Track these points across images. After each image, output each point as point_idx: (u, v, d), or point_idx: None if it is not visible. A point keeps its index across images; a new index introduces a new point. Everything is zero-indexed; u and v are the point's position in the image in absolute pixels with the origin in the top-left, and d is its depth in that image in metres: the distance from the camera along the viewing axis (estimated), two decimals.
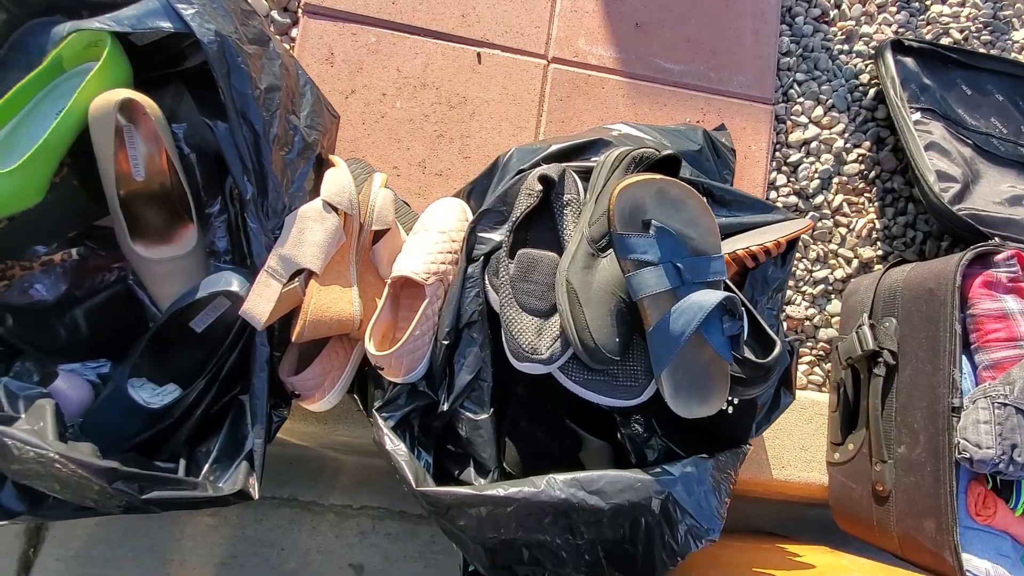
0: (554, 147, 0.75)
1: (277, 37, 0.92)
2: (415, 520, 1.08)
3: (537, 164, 0.74)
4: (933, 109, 1.03)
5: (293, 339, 0.66)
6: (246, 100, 0.61)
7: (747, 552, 0.91)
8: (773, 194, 1.03)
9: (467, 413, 0.69)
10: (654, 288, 0.55)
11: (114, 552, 0.99)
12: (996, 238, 0.83)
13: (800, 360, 1.01)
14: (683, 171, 0.79)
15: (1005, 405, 0.71)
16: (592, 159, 0.76)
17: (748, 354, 0.59)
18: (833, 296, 1.03)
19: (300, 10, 0.93)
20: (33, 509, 0.57)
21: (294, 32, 0.93)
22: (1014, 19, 1.19)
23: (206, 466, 0.64)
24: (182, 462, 0.64)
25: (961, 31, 1.15)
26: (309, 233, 0.67)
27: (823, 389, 1.01)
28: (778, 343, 0.58)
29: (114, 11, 0.63)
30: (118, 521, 1.01)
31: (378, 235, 0.76)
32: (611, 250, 0.62)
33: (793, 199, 1.03)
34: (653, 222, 0.55)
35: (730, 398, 0.72)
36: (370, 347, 0.65)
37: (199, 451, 0.67)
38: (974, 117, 1.05)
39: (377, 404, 0.68)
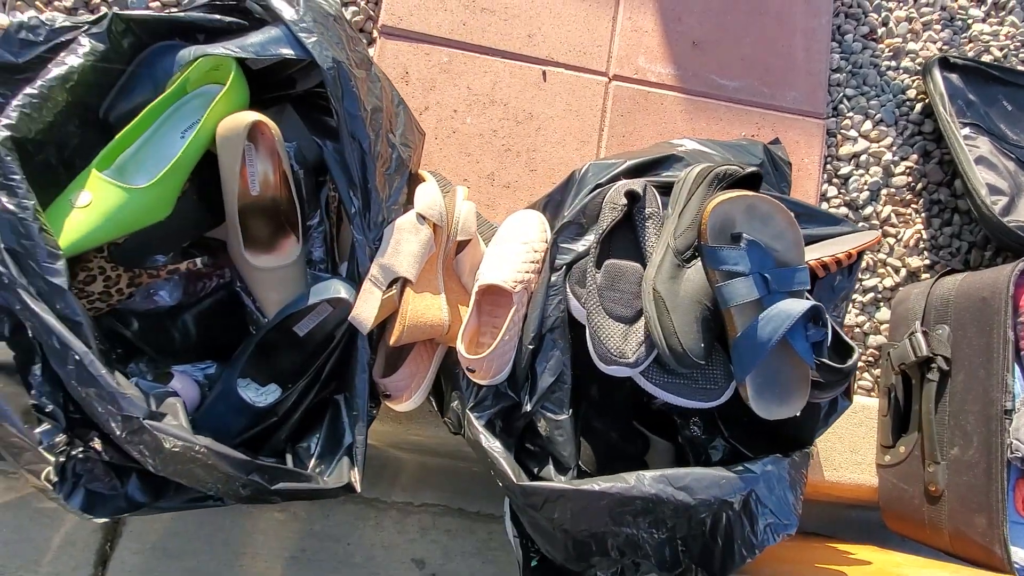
0: (629, 163, 0.79)
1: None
2: (473, 517, 1.12)
3: (614, 179, 0.78)
4: (979, 124, 1.06)
5: (392, 343, 0.70)
6: (356, 122, 0.66)
7: (805, 550, 0.95)
8: (824, 205, 1.06)
9: (548, 413, 0.73)
10: (744, 297, 0.59)
11: (190, 545, 1.04)
12: None
13: None
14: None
15: None
16: (664, 174, 0.80)
17: (826, 359, 0.63)
18: (882, 304, 1.06)
19: (376, 31, 0.98)
20: (156, 501, 0.62)
21: (371, 51, 0.98)
22: None
23: (311, 461, 0.68)
24: (288, 457, 0.68)
25: (1001, 49, 1.18)
26: (405, 244, 0.71)
27: (872, 394, 1.05)
28: (856, 349, 0.62)
29: (228, 36, 0.68)
30: (192, 516, 1.05)
31: (461, 245, 0.80)
32: (695, 261, 0.66)
33: (844, 210, 1.07)
34: (744, 235, 0.59)
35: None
36: (463, 351, 0.70)
37: (300, 447, 0.71)
38: (1015, 132, 1.08)
39: (469, 404, 0.72)
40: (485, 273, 0.74)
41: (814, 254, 0.72)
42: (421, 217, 0.73)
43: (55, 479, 0.55)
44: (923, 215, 1.10)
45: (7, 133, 0.52)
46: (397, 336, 0.69)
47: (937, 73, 1.06)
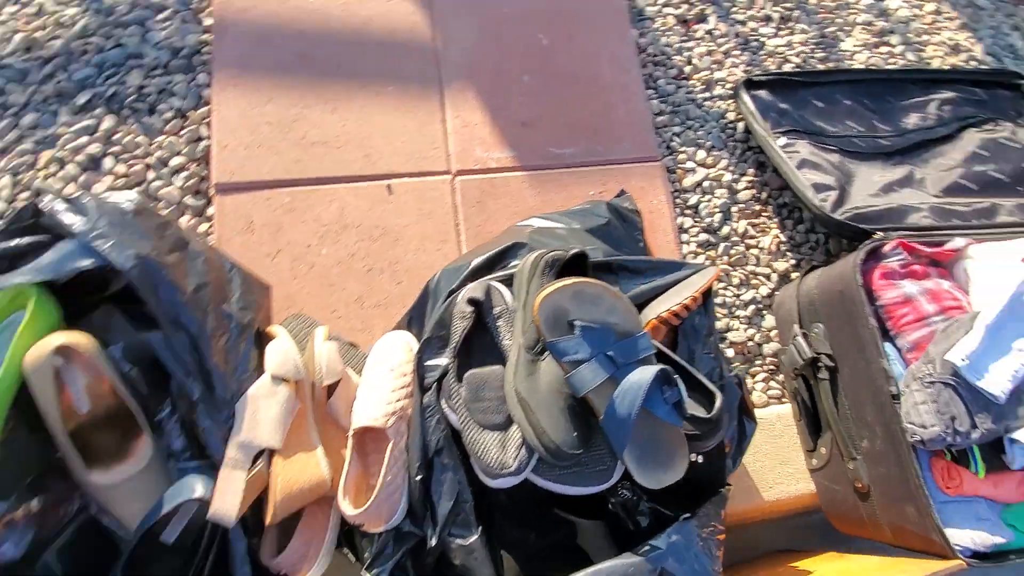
0: (475, 261, 0.81)
1: (194, 220, 0.97)
2: None
3: (464, 282, 0.79)
4: (796, 129, 1.15)
5: (268, 523, 0.66)
6: (177, 307, 0.64)
7: None
8: (684, 236, 1.12)
9: (456, 540, 0.70)
10: (593, 382, 0.59)
11: None
12: (879, 232, 0.93)
13: (754, 379, 1.07)
14: (597, 252, 0.87)
15: (933, 383, 0.78)
16: (512, 264, 0.82)
17: (695, 410, 0.64)
18: (765, 312, 1.11)
19: (212, 190, 0.98)
20: None
21: (210, 211, 0.98)
22: (839, 33, 1.37)
23: None
24: None
25: (798, 55, 1.31)
26: (263, 412, 0.69)
27: (783, 400, 1.07)
28: (718, 395, 0.63)
29: (32, 258, 0.66)
30: None
31: (331, 387, 0.78)
32: (548, 353, 0.67)
33: (703, 236, 1.12)
34: (576, 322, 0.60)
35: (693, 454, 0.76)
36: (346, 508, 0.66)
37: None
38: (832, 125, 1.19)
39: (367, 563, 0.68)
40: (356, 415, 0.72)
41: (663, 306, 0.75)
42: (276, 378, 0.71)
43: None
44: (776, 220, 1.17)
45: None
46: (272, 514, 0.66)
47: (744, 95, 1.16)
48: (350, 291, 0.97)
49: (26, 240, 0.66)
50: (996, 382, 0.75)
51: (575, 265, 0.70)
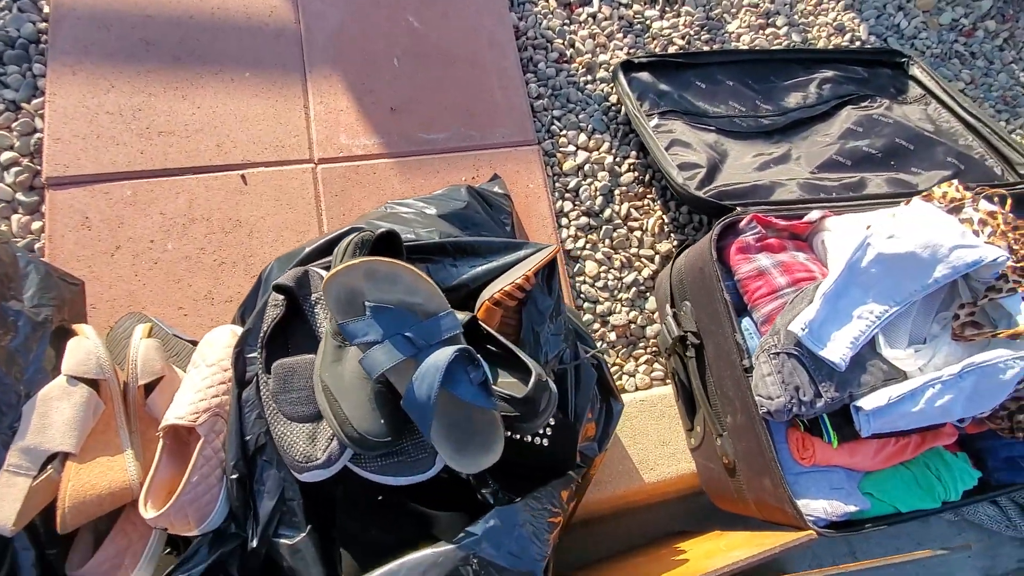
0: (308, 248, 0.76)
1: (27, 219, 0.90)
2: None
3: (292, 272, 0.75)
4: (674, 110, 1.15)
5: (59, 530, 0.61)
6: None
7: (640, 567, 0.91)
8: (564, 220, 1.10)
9: (282, 540, 0.66)
10: (385, 364, 0.56)
11: None
12: (738, 207, 0.92)
13: (638, 361, 1.06)
14: (450, 231, 0.83)
15: (778, 354, 0.77)
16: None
17: (511, 391, 0.61)
18: (648, 294, 1.09)
19: (45, 185, 0.92)
20: None
21: (44, 207, 0.91)
22: (724, 15, 1.37)
23: None
24: None
25: (683, 37, 1.31)
26: (55, 414, 0.63)
27: (666, 382, 1.06)
28: (533, 371, 0.61)
29: None
30: None
31: (150, 386, 0.73)
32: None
33: (584, 219, 1.10)
34: (366, 303, 0.57)
35: (542, 432, 0.74)
36: (146, 511, 0.61)
37: None
38: (714, 105, 1.18)
39: (167, 569, 0.63)
40: (167, 414, 0.67)
41: (498, 286, 0.72)
42: (72, 378, 0.65)
43: None
44: (659, 202, 1.16)
45: None
46: (60, 521, 0.60)
47: (621, 77, 1.15)
48: (198, 287, 0.91)
49: None
50: (836, 350, 0.75)
51: (387, 246, 0.67)
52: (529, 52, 1.19)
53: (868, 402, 0.75)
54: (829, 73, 1.27)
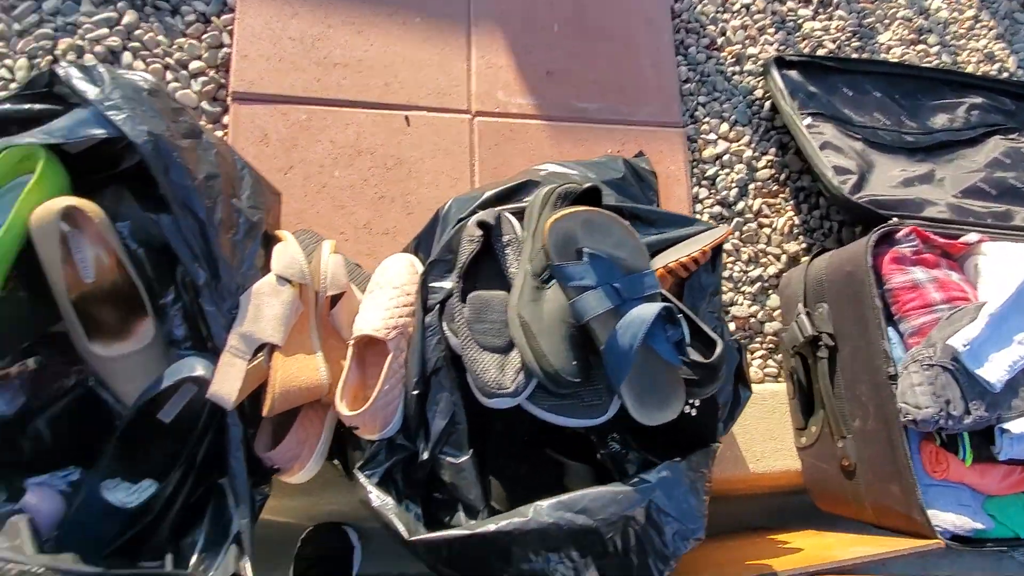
0: (488, 193, 0.80)
1: (209, 126, 0.95)
2: None
3: (475, 212, 0.79)
4: (822, 112, 1.14)
5: (265, 413, 0.66)
6: (187, 191, 0.63)
7: (739, 549, 0.94)
8: (698, 206, 1.11)
9: (448, 458, 0.70)
10: (597, 309, 0.59)
11: None
12: (894, 218, 0.92)
13: (753, 355, 1.08)
14: (609, 198, 0.86)
15: (932, 366, 0.78)
16: (525, 199, 0.81)
17: (695, 356, 0.63)
18: (770, 291, 1.11)
19: (229, 98, 0.97)
20: None
21: (226, 119, 0.96)
22: (877, 24, 1.35)
23: (194, 557, 0.62)
24: (169, 557, 0.62)
25: (834, 41, 1.29)
26: (266, 308, 0.68)
27: (779, 379, 1.07)
28: (719, 342, 0.63)
29: (43, 124, 0.65)
30: None
31: (335, 299, 0.78)
32: (554, 281, 0.66)
33: (717, 208, 1.12)
34: (585, 249, 0.60)
35: (691, 401, 0.76)
36: (342, 409, 0.66)
37: (184, 543, 0.65)
38: (859, 114, 1.18)
39: (359, 463, 0.68)
40: (357, 324, 0.71)
41: (671, 257, 0.74)
42: (281, 278, 0.70)
43: None
44: (792, 202, 1.16)
45: None
46: (269, 405, 0.65)
47: (775, 72, 1.15)
48: (359, 216, 0.96)
49: (39, 106, 0.65)
50: (994, 371, 0.76)
51: (588, 200, 0.69)
52: (682, 35, 1.20)
53: (1016, 426, 0.75)
54: (978, 100, 1.24)
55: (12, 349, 0.64)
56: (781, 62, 1.16)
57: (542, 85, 1.08)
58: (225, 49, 0.99)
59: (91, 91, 0.60)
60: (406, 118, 1.01)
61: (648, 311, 0.58)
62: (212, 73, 0.98)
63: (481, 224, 0.69)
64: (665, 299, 0.66)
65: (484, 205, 0.79)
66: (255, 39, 0.99)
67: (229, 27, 1.00)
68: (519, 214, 0.75)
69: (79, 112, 0.61)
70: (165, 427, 0.68)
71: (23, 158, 0.61)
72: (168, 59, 0.97)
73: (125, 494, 0.66)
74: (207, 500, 0.67)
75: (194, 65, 0.98)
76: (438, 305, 0.73)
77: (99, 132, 0.60)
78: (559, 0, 1.13)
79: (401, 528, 0.61)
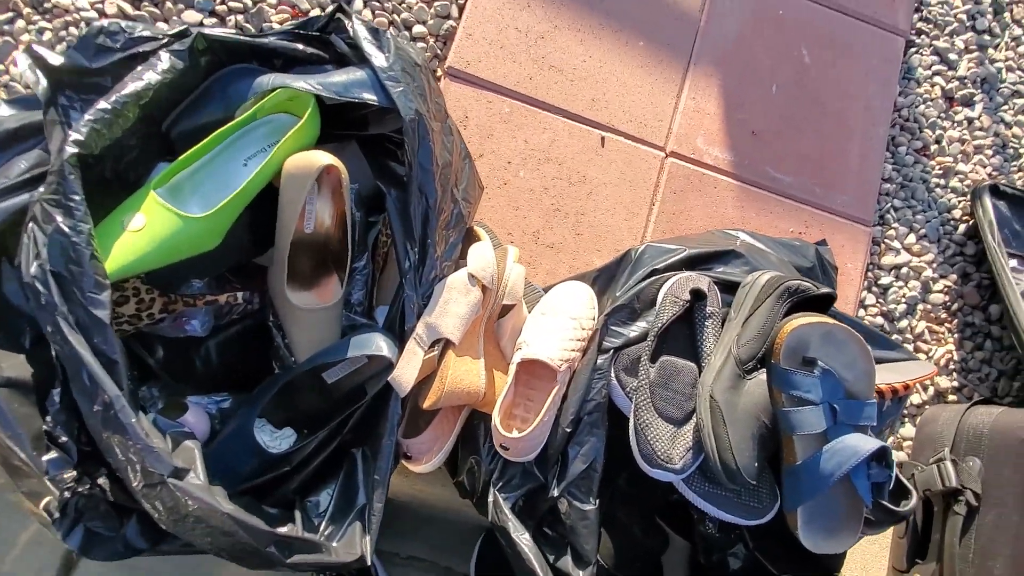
0: (688, 252, 0.77)
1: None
2: None
3: (671, 267, 0.76)
4: None
5: (426, 406, 0.66)
6: (427, 176, 0.63)
7: None
8: (861, 312, 1.05)
9: (575, 502, 0.69)
10: (813, 428, 0.56)
11: (160, 565, 0.96)
12: None
13: None
14: None
15: None
16: (719, 269, 0.78)
17: (884, 500, 0.60)
18: (907, 420, 1.04)
19: (442, 71, 0.97)
20: (155, 546, 0.57)
21: None
22: None
23: (321, 522, 0.63)
24: (297, 515, 0.63)
25: None
26: (453, 304, 0.68)
27: None
28: (913, 494, 0.59)
29: (305, 67, 0.66)
30: None
31: (505, 309, 0.77)
32: (757, 373, 0.63)
33: (880, 320, 1.06)
34: (819, 363, 0.56)
35: None
36: (501, 429, 0.66)
37: (309, 501, 0.66)
38: None
39: (497, 484, 0.68)
40: (532, 346, 0.70)
41: (881, 377, 0.70)
42: (473, 278, 0.70)
43: (56, 514, 0.50)
44: (955, 336, 1.09)
45: (75, 150, 0.48)
46: (434, 400, 0.65)
47: (988, 200, 1.07)
48: (531, 222, 0.95)
49: (309, 50, 0.66)
50: None
51: (817, 305, 0.66)
52: (895, 131, 1.13)
53: None
54: None
55: (217, 272, 0.66)
56: (995, 190, 1.08)
57: (744, 143, 1.04)
58: (451, 22, 0.99)
59: (377, 57, 0.60)
60: (602, 139, 0.99)
61: (864, 445, 0.55)
62: (431, 42, 0.98)
63: (695, 291, 0.66)
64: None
65: (684, 264, 0.76)
66: (484, 20, 0.98)
67: (460, 2, 1.00)
68: (720, 285, 0.72)
69: (356, 72, 0.61)
70: (325, 387, 0.69)
71: (290, 98, 0.62)
72: (395, 15, 0.98)
73: (269, 437, 0.67)
74: (337, 465, 0.69)
75: (417, 29, 0.98)
76: (613, 350, 0.71)
77: (371, 98, 0.60)
78: (784, 61, 1.08)
79: (537, 568, 0.60)
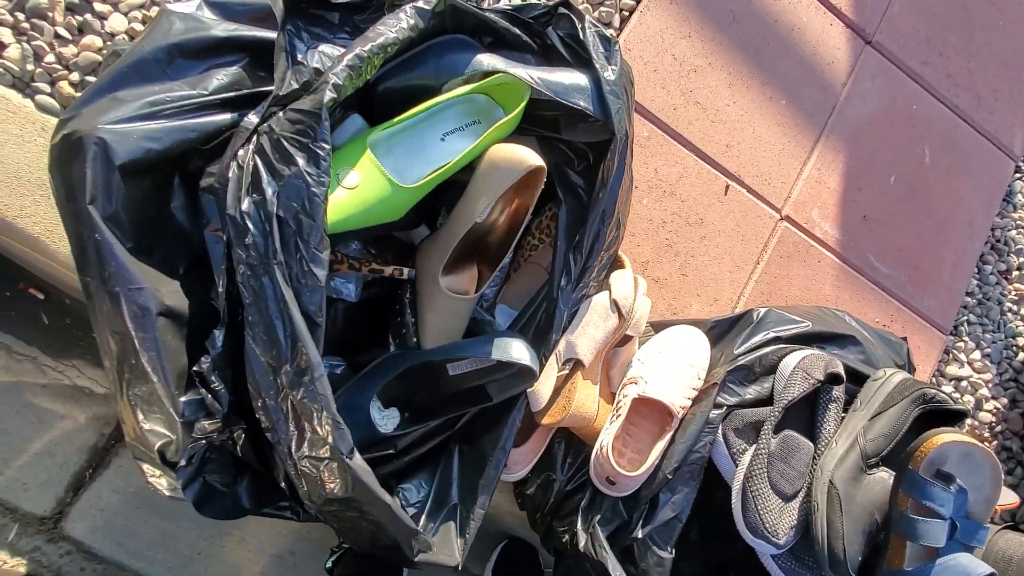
0: (811, 328, 0.78)
1: None
2: None
3: (795, 338, 0.77)
4: None
5: (546, 423, 0.65)
6: (613, 198, 0.62)
7: None
8: None
9: (655, 547, 0.69)
10: (934, 541, 0.57)
11: (176, 506, 0.94)
12: None
13: None
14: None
15: None
16: (834, 350, 0.79)
17: None
18: None
19: None
20: (260, 508, 0.55)
21: None
22: None
23: (420, 518, 0.62)
24: (396, 501, 0.62)
25: None
26: (592, 328, 0.67)
27: None
28: None
29: (509, 50, 0.64)
30: None
31: (624, 339, 0.76)
32: (878, 470, 0.64)
33: None
34: (958, 481, 0.58)
35: None
36: (615, 465, 0.65)
37: (404, 488, 0.65)
38: None
39: (594, 515, 0.68)
40: (652, 384, 0.70)
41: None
42: (614, 304, 0.69)
43: (182, 460, 0.47)
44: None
45: (333, 95, 0.45)
46: (557, 419, 0.65)
47: None
48: (642, 252, 0.94)
49: (523, 37, 0.63)
50: None
51: (951, 418, 0.67)
52: (986, 248, 1.16)
53: None
54: None
55: (374, 235, 0.64)
56: None
57: (854, 226, 1.05)
58: (611, 31, 0.97)
59: (605, 68, 0.58)
60: (727, 186, 0.99)
61: (976, 568, 0.57)
62: None
63: (832, 376, 0.67)
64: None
65: (805, 338, 0.77)
66: (643, 40, 0.97)
67: (625, 12, 0.98)
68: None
69: (579, 77, 0.59)
70: (445, 378, 0.68)
71: (502, 84, 0.60)
72: None
73: (379, 415, 0.66)
74: (432, 460, 0.67)
75: None
76: (726, 408, 0.71)
77: (587, 107, 0.58)
78: (907, 156, 1.10)
79: None
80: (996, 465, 0.60)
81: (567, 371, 0.66)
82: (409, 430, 0.65)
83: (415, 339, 0.67)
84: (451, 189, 0.65)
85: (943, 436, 0.58)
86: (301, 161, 0.43)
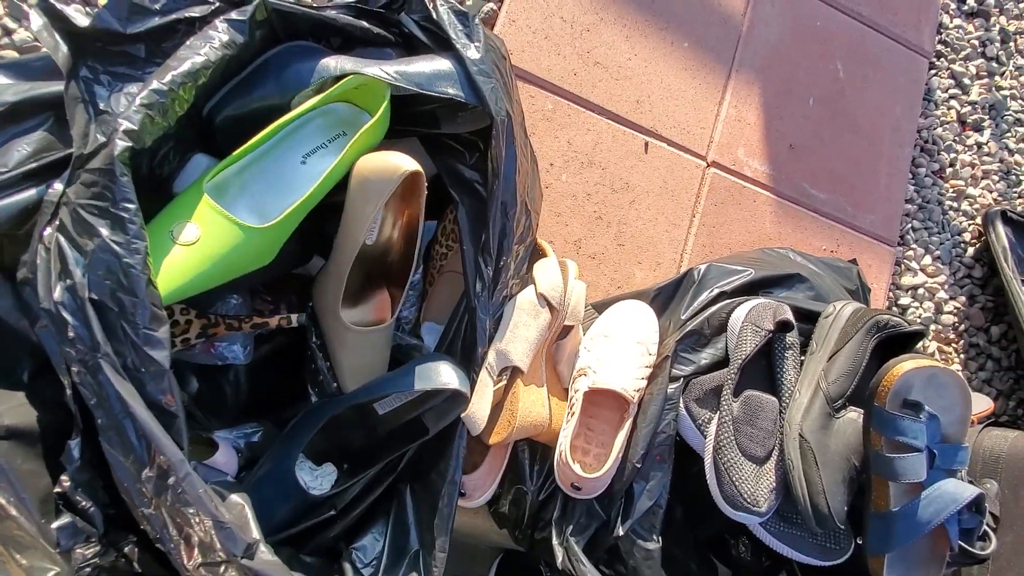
0: (755, 275, 0.74)
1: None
2: None
3: (738, 290, 0.73)
4: None
5: (493, 442, 0.60)
6: (510, 186, 0.56)
7: None
8: None
9: (639, 540, 0.65)
10: (917, 476, 0.54)
11: None
12: None
13: None
14: None
15: None
16: (782, 294, 0.75)
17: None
18: None
19: None
20: None
21: None
22: None
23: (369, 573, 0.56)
24: (347, 566, 0.56)
25: None
26: (523, 328, 0.62)
27: None
28: (993, 538, 0.59)
29: (365, 47, 0.57)
30: None
31: (564, 330, 0.71)
32: (846, 411, 0.61)
33: None
34: (926, 408, 0.54)
35: None
36: (576, 469, 0.60)
37: (354, 549, 0.59)
38: None
39: (566, 526, 0.63)
40: (601, 374, 0.65)
41: None
42: (542, 298, 0.64)
43: None
44: (961, 357, 1.12)
45: (127, 143, 0.37)
46: (503, 436, 0.59)
47: (999, 226, 1.10)
48: (572, 230, 0.89)
49: (375, 30, 0.57)
50: None
51: (907, 342, 0.64)
52: (916, 152, 1.14)
53: None
54: None
55: (253, 285, 0.57)
56: (1005, 217, 1.11)
57: (782, 157, 1.01)
58: (491, 4, 0.90)
59: (468, 48, 0.52)
60: (645, 144, 0.94)
61: (963, 492, 0.53)
62: None
63: (782, 324, 0.63)
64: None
65: (749, 287, 0.73)
66: (528, 7, 0.90)
67: None
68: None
69: (441, 63, 0.52)
70: (375, 418, 0.61)
71: (358, 87, 0.53)
72: None
73: (310, 476, 0.59)
74: (383, 508, 0.61)
75: None
76: (683, 379, 0.67)
77: (457, 94, 0.52)
78: (821, 75, 1.06)
79: None
80: (962, 382, 0.57)
81: (504, 381, 0.61)
82: (350, 483, 0.58)
83: (335, 384, 0.61)
84: (340, 211, 0.59)
85: (903, 365, 0.55)
86: (104, 231, 0.36)
